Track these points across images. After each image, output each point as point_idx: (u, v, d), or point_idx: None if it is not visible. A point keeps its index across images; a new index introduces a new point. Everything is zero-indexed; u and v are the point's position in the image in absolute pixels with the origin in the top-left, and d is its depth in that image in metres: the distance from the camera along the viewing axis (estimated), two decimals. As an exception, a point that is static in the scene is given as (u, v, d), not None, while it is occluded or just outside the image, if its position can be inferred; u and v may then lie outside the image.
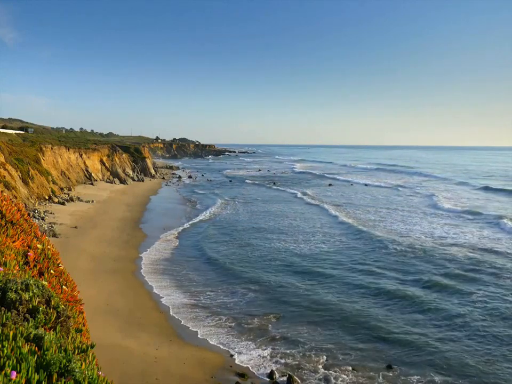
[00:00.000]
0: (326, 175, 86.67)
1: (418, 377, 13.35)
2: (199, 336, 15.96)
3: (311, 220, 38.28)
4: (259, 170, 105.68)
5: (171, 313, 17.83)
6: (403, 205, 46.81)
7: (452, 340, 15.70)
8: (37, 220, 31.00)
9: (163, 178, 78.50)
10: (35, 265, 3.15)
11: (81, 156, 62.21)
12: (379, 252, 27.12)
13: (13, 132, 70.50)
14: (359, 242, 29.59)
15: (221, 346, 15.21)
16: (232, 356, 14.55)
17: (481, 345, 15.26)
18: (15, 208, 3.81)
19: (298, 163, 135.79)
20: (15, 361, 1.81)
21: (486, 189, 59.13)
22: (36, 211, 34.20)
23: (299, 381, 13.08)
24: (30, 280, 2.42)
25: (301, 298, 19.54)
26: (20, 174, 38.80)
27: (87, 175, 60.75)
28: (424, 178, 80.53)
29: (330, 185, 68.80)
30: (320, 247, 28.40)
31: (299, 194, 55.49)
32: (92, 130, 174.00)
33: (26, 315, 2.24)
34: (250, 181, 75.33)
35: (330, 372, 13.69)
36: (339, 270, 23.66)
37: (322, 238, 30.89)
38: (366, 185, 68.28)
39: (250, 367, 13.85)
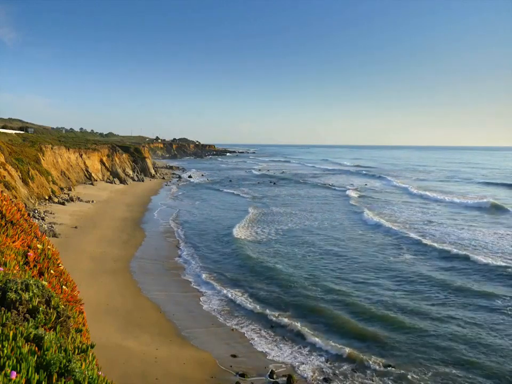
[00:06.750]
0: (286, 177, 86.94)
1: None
2: (199, 335, 15.96)
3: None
4: (262, 170, 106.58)
5: (171, 313, 17.82)
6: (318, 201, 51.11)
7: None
8: (37, 220, 30.99)
9: (163, 178, 78.47)
10: (35, 265, 3.15)
11: (81, 156, 62.20)
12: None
13: (13, 131, 70.54)
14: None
15: (222, 346, 15.22)
16: (232, 355, 14.55)
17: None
18: (15, 208, 3.81)
19: (270, 163, 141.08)
20: (15, 361, 1.80)
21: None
22: (36, 211, 34.20)
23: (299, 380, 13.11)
24: (30, 280, 2.42)
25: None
26: (20, 174, 38.79)
27: (87, 175, 60.74)
28: (373, 180, 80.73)
29: (274, 183, 72.43)
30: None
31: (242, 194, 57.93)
32: (92, 130, 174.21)
33: (26, 315, 2.24)
34: (249, 181, 76.15)
35: (329, 372, 13.72)
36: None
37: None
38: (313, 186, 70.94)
39: (251, 367, 13.86)
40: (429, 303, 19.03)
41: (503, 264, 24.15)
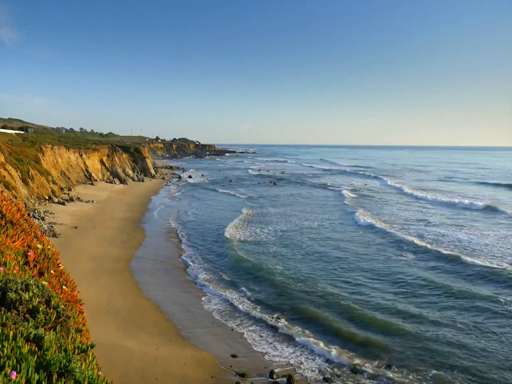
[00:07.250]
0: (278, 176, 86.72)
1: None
2: (199, 335, 15.96)
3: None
4: (261, 170, 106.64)
5: (170, 313, 17.82)
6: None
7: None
8: (37, 220, 30.99)
9: (163, 178, 78.46)
10: (35, 265, 3.14)
11: (81, 155, 62.20)
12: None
13: (13, 131, 70.55)
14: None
15: (222, 346, 15.21)
16: (232, 355, 14.54)
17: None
18: (15, 208, 3.81)
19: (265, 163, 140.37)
20: (15, 361, 1.80)
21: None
22: (36, 211, 34.19)
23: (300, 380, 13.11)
24: (30, 280, 2.42)
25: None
26: (20, 174, 38.78)
27: (87, 175, 60.73)
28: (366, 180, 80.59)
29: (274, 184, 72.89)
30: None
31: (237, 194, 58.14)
32: (92, 130, 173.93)
33: (26, 315, 2.24)
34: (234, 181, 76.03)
35: (331, 373, 13.72)
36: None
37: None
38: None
39: (251, 367, 13.86)
40: (427, 305, 19.03)
41: (504, 266, 24.14)
